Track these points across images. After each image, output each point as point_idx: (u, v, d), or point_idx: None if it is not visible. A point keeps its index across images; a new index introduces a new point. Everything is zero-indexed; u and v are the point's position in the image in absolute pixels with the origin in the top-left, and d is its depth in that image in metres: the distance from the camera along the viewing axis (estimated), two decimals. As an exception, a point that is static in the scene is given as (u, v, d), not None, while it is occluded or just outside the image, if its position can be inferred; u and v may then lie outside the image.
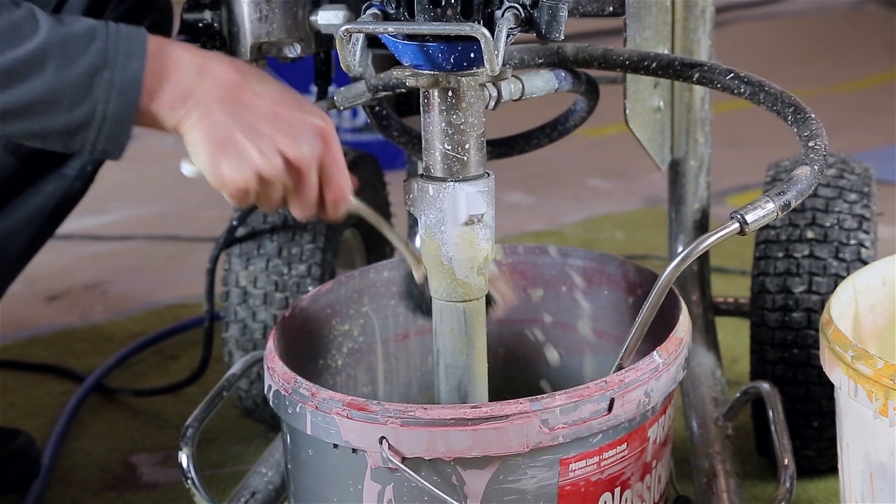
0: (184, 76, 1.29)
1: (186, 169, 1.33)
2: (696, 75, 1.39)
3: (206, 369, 1.93)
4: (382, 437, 1.23)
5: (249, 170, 1.30)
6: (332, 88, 1.62)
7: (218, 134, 1.30)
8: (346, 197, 1.37)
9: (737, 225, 1.23)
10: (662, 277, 1.25)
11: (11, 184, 1.60)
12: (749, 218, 1.23)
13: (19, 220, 1.62)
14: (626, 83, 1.56)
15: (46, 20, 1.26)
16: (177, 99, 1.29)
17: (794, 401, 1.62)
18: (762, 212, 1.23)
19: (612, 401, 1.25)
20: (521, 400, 1.23)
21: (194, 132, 1.30)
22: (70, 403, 1.98)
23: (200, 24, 1.51)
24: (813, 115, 1.31)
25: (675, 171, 1.74)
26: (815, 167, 1.26)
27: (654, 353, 1.31)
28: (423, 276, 1.38)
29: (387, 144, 1.79)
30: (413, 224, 1.90)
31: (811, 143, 1.28)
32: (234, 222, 1.76)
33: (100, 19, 1.30)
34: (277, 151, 1.31)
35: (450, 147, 1.29)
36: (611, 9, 1.52)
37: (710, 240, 1.23)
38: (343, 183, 1.36)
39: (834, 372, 1.28)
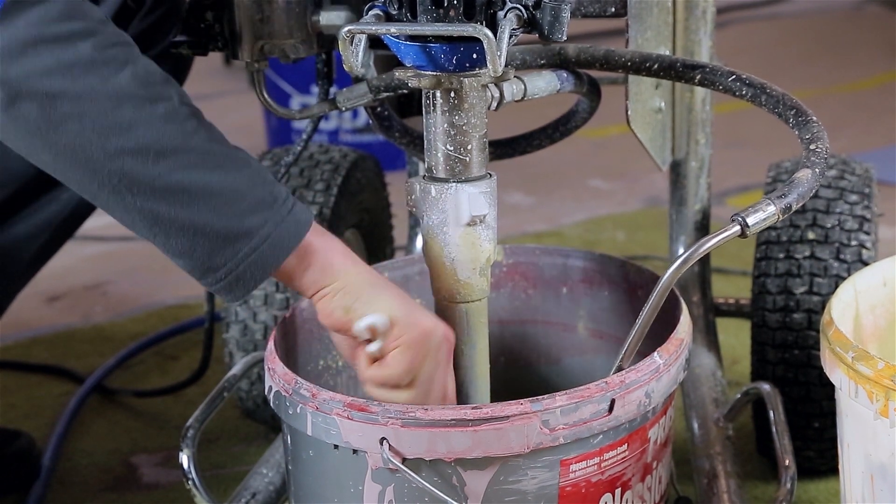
0: (328, 262, 1.30)
1: (369, 321, 1.31)
2: (698, 77, 1.39)
3: (205, 370, 1.93)
4: (383, 438, 1.23)
5: (438, 328, 1.31)
6: (333, 89, 1.62)
7: (403, 296, 1.32)
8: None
9: (738, 227, 1.23)
10: (663, 280, 1.25)
11: (29, 190, 1.60)
12: (750, 220, 1.23)
13: (35, 225, 1.62)
14: (628, 84, 1.56)
15: (246, 158, 1.26)
16: (330, 261, 1.30)
17: (794, 401, 1.62)
18: (763, 214, 1.23)
19: (612, 402, 1.25)
20: (521, 401, 1.23)
21: (374, 292, 1.30)
22: (70, 404, 1.98)
23: (202, 25, 1.52)
24: (814, 118, 1.31)
25: (676, 171, 1.74)
26: (817, 170, 1.26)
27: (655, 353, 1.31)
28: None
29: (387, 145, 1.79)
30: (415, 225, 1.90)
31: (812, 146, 1.28)
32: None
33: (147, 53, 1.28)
34: (439, 325, 1.32)
35: (452, 148, 1.29)
36: (613, 10, 1.52)
37: (710, 242, 1.23)
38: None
39: (834, 373, 1.28)
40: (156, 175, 1.21)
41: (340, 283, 1.30)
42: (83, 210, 1.65)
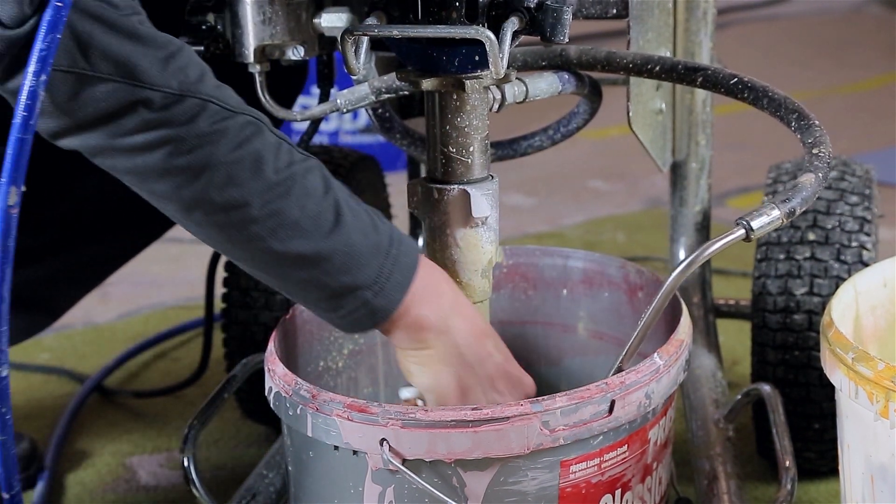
0: (437, 308, 1.29)
1: (410, 393, 1.37)
2: (700, 79, 1.39)
3: (204, 371, 1.93)
4: (383, 439, 1.23)
5: None
6: (334, 91, 1.62)
7: (463, 379, 1.32)
8: None
9: (742, 231, 1.23)
10: (667, 283, 1.26)
11: (123, 215, 1.65)
12: (755, 224, 1.23)
13: (110, 241, 1.69)
14: (629, 85, 1.56)
15: (343, 214, 1.24)
16: (427, 326, 1.29)
17: (794, 403, 1.62)
18: (767, 219, 1.23)
19: (612, 402, 1.26)
20: (521, 401, 1.23)
21: (434, 367, 1.31)
22: (70, 405, 1.98)
23: (204, 27, 1.52)
24: (816, 122, 1.31)
25: (677, 172, 1.75)
26: (820, 175, 1.26)
27: (655, 354, 1.31)
28: None
29: (387, 146, 1.79)
30: (416, 226, 1.90)
31: (815, 151, 1.28)
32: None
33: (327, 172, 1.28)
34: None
35: (454, 150, 1.29)
36: (614, 11, 1.52)
37: (714, 246, 1.24)
38: None
39: (835, 374, 1.29)
40: (270, 245, 1.23)
41: (427, 353, 1.32)
42: (160, 226, 1.71)
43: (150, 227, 1.74)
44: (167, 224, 1.75)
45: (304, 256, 1.23)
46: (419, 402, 1.36)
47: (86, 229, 1.69)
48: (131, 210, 1.68)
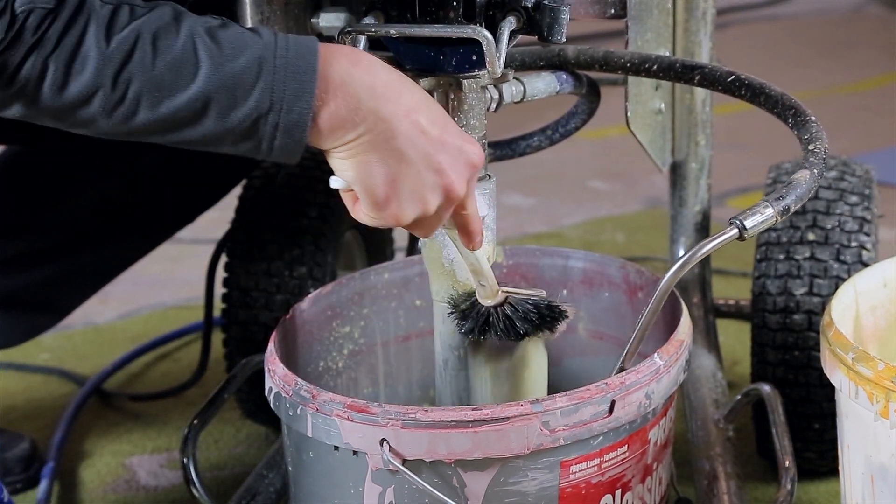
0: (353, 98, 1.18)
1: (338, 184, 1.24)
2: (697, 77, 1.39)
3: (203, 374, 1.93)
4: (383, 439, 1.23)
5: (415, 210, 1.22)
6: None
7: (392, 167, 1.20)
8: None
9: (736, 231, 1.23)
10: (662, 283, 1.26)
11: (127, 219, 1.67)
12: (748, 223, 1.23)
13: (114, 244, 1.69)
14: (628, 85, 1.56)
15: (206, 56, 1.15)
16: (342, 122, 1.19)
17: (794, 403, 1.62)
18: (761, 217, 1.23)
19: (612, 403, 1.26)
20: (521, 402, 1.23)
21: (360, 157, 1.20)
22: (70, 406, 1.98)
23: (202, 27, 1.51)
24: (813, 118, 1.31)
25: (676, 172, 1.74)
26: (815, 171, 1.26)
27: (655, 355, 1.31)
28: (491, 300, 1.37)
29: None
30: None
31: (811, 147, 1.28)
32: (232, 227, 1.75)
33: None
34: (442, 188, 1.22)
35: (451, 149, 1.29)
36: (612, 11, 1.52)
37: (708, 246, 1.24)
38: (471, 198, 1.27)
39: (835, 374, 1.28)
40: (145, 118, 1.17)
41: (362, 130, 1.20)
42: (165, 232, 1.73)
43: (153, 231, 1.74)
44: (170, 229, 1.76)
45: (184, 111, 1.16)
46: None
47: (89, 233, 1.70)
48: (134, 214, 1.69)
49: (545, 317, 1.36)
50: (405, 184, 1.20)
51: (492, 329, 1.35)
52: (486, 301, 1.35)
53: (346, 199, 1.25)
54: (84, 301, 1.78)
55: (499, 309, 1.35)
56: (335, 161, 1.22)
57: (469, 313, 1.35)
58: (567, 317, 1.39)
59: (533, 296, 1.36)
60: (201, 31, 1.16)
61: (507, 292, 1.36)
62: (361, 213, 1.24)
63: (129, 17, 1.14)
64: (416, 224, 1.24)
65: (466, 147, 1.22)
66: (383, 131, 1.19)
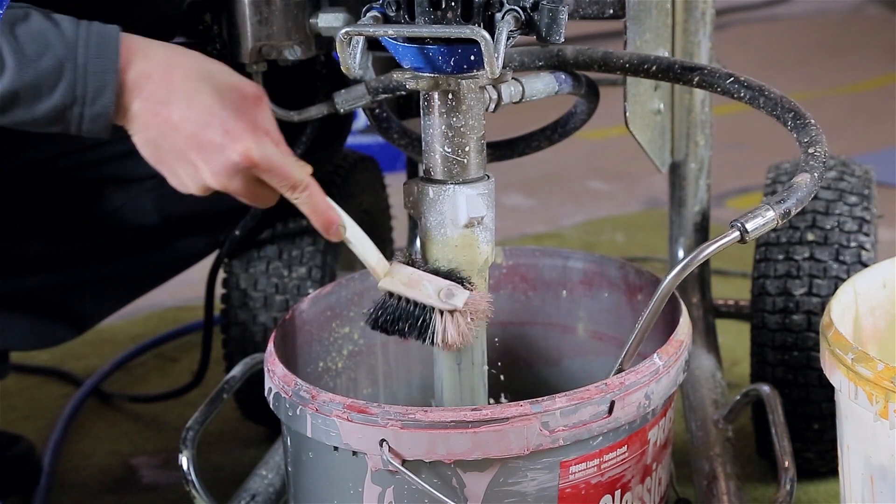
0: (129, 99, 1.31)
1: None
2: (696, 79, 1.39)
3: (203, 376, 1.93)
4: (383, 440, 1.23)
5: (192, 187, 1.34)
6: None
7: (159, 156, 1.33)
8: (295, 186, 1.35)
9: (737, 233, 1.23)
10: (662, 286, 1.26)
11: (151, 236, 1.70)
12: (749, 226, 1.23)
13: (144, 263, 1.72)
14: (627, 85, 1.56)
15: (11, 57, 1.26)
16: (122, 119, 1.32)
17: (794, 403, 1.62)
18: (762, 220, 1.23)
19: (612, 403, 1.26)
20: (521, 402, 1.23)
21: (140, 148, 1.33)
22: (68, 407, 1.98)
23: (201, 27, 1.52)
24: (812, 121, 1.31)
25: (676, 173, 1.74)
26: (815, 174, 1.26)
27: (655, 355, 1.31)
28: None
29: (387, 146, 1.79)
30: (414, 227, 1.90)
31: (811, 150, 1.28)
32: (237, 232, 1.75)
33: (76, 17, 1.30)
34: (214, 171, 1.31)
35: (450, 150, 1.29)
36: (611, 11, 1.52)
37: (709, 249, 1.24)
38: (297, 175, 1.34)
39: (834, 374, 1.28)
40: None
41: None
42: (193, 259, 1.76)
43: (184, 255, 1.75)
44: (198, 256, 1.77)
45: None
46: None
47: (113, 245, 1.70)
48: (163, 236, 1.69)
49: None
50: (173, 173, 1.33)
51: (397, 323, 1.33)
52: (380, 286, 1.34)
53: None
54: (105, 316, 1.78)
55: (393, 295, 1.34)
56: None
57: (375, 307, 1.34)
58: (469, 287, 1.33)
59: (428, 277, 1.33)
60: (6, 28, 1.26)
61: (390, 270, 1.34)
62: None
63: None
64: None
65: (229, 144, 1.30)
66: (140, 128, 1.31)
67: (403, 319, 1.32)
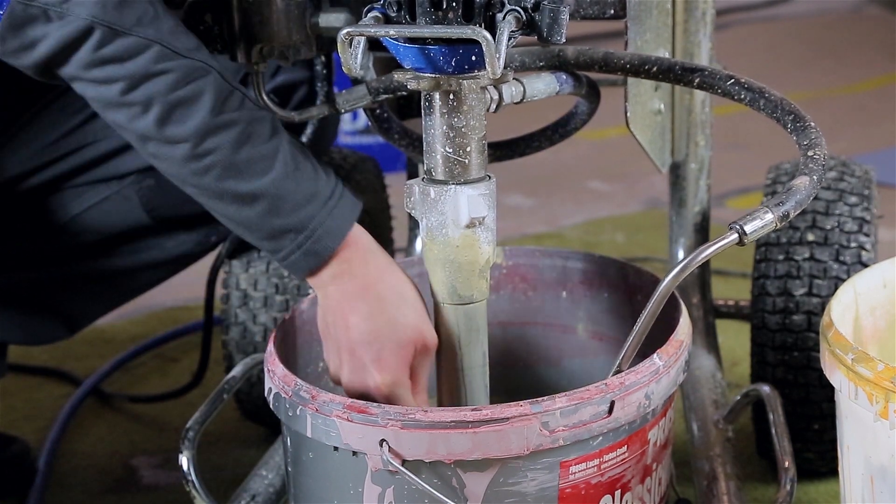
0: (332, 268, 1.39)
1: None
2: (697, 80, 1.39)
3: (203, 376, 1.93)
4: (383, 440, 1.23)
5: (330, 369, 1.42)
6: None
7: (322, 325, 1.42)
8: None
9: (735, 235, 1.23)
10: (661, 287, 1.26)
11: (138, 233, 1.71)
12: (748, 229, 1.23)
13: (134, 263, 1.73)
14: (627, 86, 1.56)
15: (281, 166, 1.36)
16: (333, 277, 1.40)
17: (794, 403, 1.62)
18: (761, 222, 1.23)
19: (612, 403, 1.26)
20: (521, 402, 1.23)
21: (321, 318, 1.42)
22: (66, 407, 1.98)
23: (202, 27, 1.51)
24: (812, 124, 1.31)
25: (676, 173, 1.74)
26: (815, 177, 1.26)
27: (655, 355, 1.31)
28: None
29: (387, 147, 1.79)
30: (415, 227, 1.90)
31: (810, 153, 1.28)
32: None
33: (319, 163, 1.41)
34: (335, 372, 1.40)
35: (451, 150, 1.29)
36: (612, 11, 1.52)
37: (708, 251, 1.24)
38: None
39: (834, 374, 1.28)
40: (207, 183, 1.36)
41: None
42: (182, 261, 1.76)
43: (174, 254, 1.75)
44: (189, 257, 1.77)
45: (240, 196, 1.36)
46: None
47: (106, 239, 1.70)
48: (154, 229, 1.70)
49: None
50: (323, 338, 1.42)
51: None
52: None
53: None
54: (97, 317, 1.78)
55: None
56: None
57: None
58: None
59: None
60: (286, 145, 1.38)
61: None
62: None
63: (240, 104, 1.36)
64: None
65: (371, 372, 1.37)
66: (324, 310, 1.41)
67: None
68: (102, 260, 1.70)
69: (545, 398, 1.24)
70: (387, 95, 1.49)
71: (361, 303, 1.37)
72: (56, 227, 1.67)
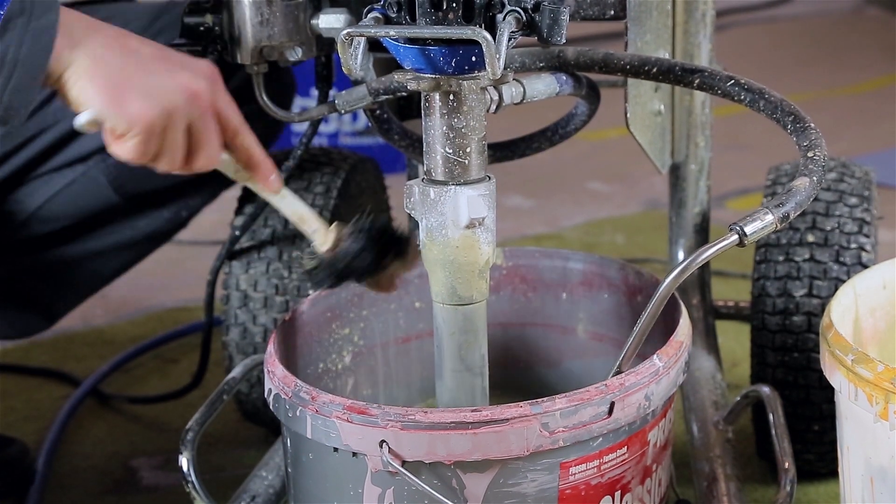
0: (75, 28, 1.29)
1: (84, 117, 1.31)
2: (697, 81, 1.39)
3: (202, 377, 1.93)
4: (383, 441, 1.23)
5: (157, 103, 1.31)
6: (332, 92, 1.62)
7: (116, 75, 1.30)
8: (236, 131, 1.37)
9: (736, 237, 1.23)
10: (661, 289, 1.26)
11: (108, 214, 1.68)
12: (748, 230, 1.23)
13: (107, 245, 1.71)
14: (627, 87, 1.56)
15: None
16: (64, 47, 1.28)
17: (794, 404, 1.62)
18: (761, 224, 1.23)
19: (612, 404, 1.26)
20: (521, 403, 1.23)
21: (87, 77, 1.29)
22: (65, 408, 1.98)
23: (201, 28, 1.52)
24: (812, 125, 1.31)
25: (676, 174, 1.75)
26: (815, 178, 1.26)
27: (655, 356, 1.31)
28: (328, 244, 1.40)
29: (387, 148, 1.79)
30: (414, 228, 1.90)
31: (810, 154, 1.28)
32: (237, 233, 1.75)
33: None
34: (178, 85, 1.32)
35: (451, 151, 1.29)
36: (612, 12, 1.52)
37: (708, 252, 1.24)
38: (239, 121, 1.36)
39: (834, 375, 1.28)
40: None
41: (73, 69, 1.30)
42: (156, 239, 1.75)
43: (147, 233, 1.74)
44: (161, 235, 1.76)
45: None
46: (96, 126, 1.32)
47: (77, 223, 1.70)
48: (124, 209, 1.69)
49: (387, 240, 1.41)
50: (130, 88, 1.29)
51: (342, 273, 1.39)
52: (323, 246, 1.38)
53: (105, 137, 1.32)
54: (76, 304, 1.78)
55: (338, 251, 1.39)
56: (68, 94, 1.30)
57: (317, 269, 1.39)
58: (407, 236, 1.42)
59: (365, 222, 1.39)
60: None
61: (338, 226, 1.39)
62: (111, 140, 1.32)
63: None
64: (191, 154, 1.33)
65: (191, 62, 1.33)
66: (95, 55, 1.29)
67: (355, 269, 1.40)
68: (76, 245, 1.70)
69: (545, 399, 1.24)
70: (387, 96, 1.49)
71: (131, 38, 1.32)
72: (25, 218, 1.67)
